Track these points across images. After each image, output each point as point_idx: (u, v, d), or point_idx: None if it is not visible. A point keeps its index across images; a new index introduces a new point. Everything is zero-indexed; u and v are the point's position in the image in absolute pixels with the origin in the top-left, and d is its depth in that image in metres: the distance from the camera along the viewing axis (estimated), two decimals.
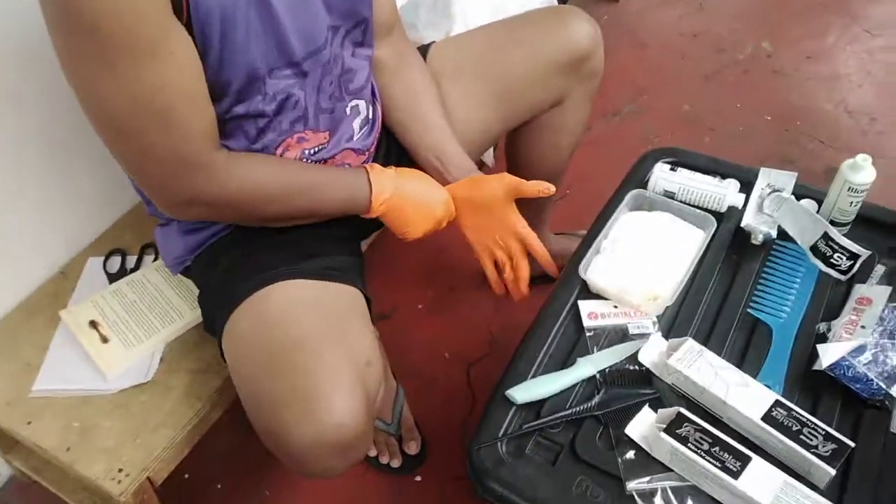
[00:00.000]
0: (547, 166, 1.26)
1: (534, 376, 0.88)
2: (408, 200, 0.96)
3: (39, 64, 1.08)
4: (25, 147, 1.11)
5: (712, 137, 1.88)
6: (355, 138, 0.99)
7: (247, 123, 0.87)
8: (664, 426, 0.80)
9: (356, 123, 0.99)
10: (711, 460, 0.76)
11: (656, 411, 0.83)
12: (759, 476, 0.75)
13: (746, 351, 0.90)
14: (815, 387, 0.86)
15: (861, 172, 0.95)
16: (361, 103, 0.99)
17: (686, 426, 0.79)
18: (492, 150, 1.57)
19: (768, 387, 0.85)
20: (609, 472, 0.79)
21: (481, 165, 1.67)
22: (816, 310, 0.94)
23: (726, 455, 0.77)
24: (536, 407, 0.86)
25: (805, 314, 0.93)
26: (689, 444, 0.77)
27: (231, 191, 0.85)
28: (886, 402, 0.82)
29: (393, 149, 1.09)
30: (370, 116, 1.02)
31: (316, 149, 0.95)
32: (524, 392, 0.86)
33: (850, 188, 0.96)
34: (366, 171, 0.94)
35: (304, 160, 0.94)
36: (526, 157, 1.27)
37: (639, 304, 0.94)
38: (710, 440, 0.78)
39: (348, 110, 0.97)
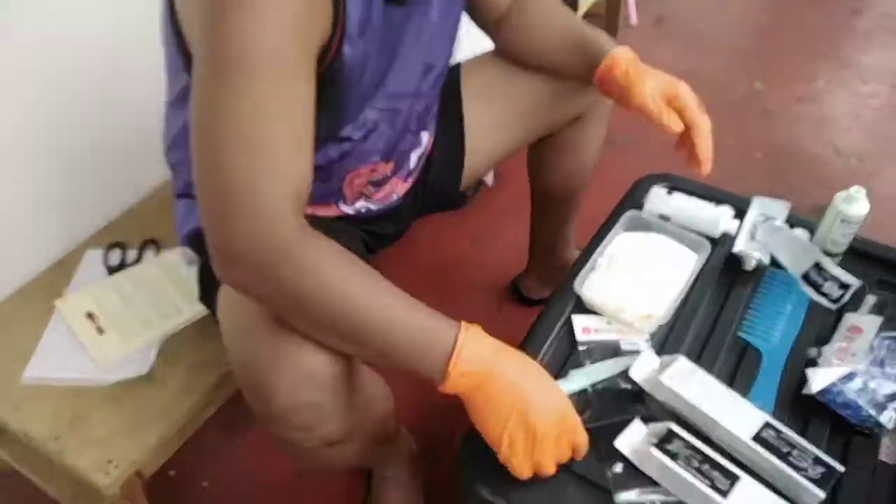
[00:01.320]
0: (572, 181, 1.31)
1: None
2: (501, 387, 0.73)
3: (50, 60, 1.10)
4: (30, 137, 1.12)
5: None
6: (411, 168, 1.03)
7: (331, 145, 0.87)
8: (655, 441, 0.81)
9: (415, 155, 1.03)
10: (700, 478, 0.77)
11: (647, 426, 0.84)
12: (748, 496, 0.76)
13: (736, 373, 0.92)
14: (804, 411, 0.87)
15: (855, 204, 0.98)
16: (425, 135, 1.03)
17: (676, 442, 0.81)
18: (492, 171, 1.60)
19: (759, 408, 0.87)
20: (598, 484, 0.80)
21: (480, 184, 1.69)
22: (807, 336, 0.96)
23: (715, 473, 0.78)
24: None
25: (795, 340, 0.95)
26: (678, 461, 0.79)
27: (290, 271, 0.68)
28: (875, 430, 0.84)
29: (431, 171, 1.12)
30: (426, 145, 1.06)
31: (379, 177, 0.98)
32: None
33: (843, 219, 0.99)
34: (456, 329, 0.73)
35: (367, 184, 0.96)
36: (550, 172, 1.31)
37: (632, 321, 0.96)
38: (699, 458, 0.79)
39: (414, 142, 1.01)
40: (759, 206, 1.10)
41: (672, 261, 1.03)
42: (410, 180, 1.07)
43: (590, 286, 0.99)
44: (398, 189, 1.04)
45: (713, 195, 1.13)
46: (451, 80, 1.13)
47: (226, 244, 0.69)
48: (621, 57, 1.02)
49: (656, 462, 0.79)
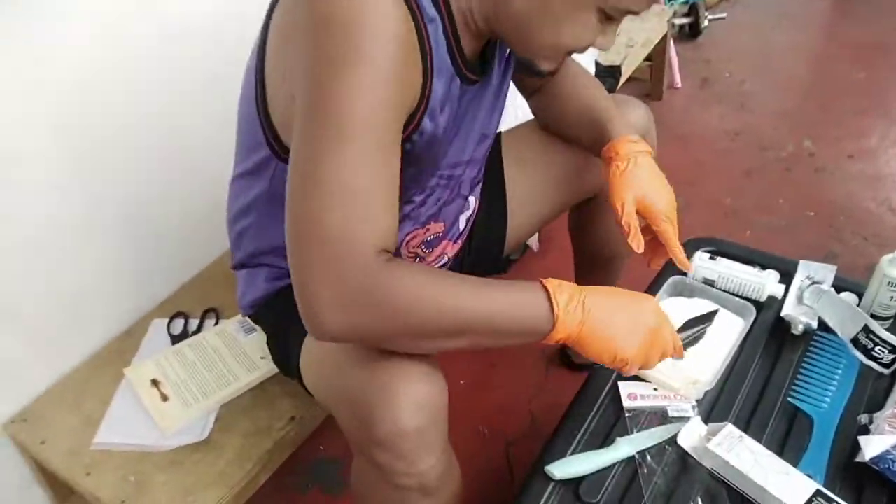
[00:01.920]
0: (613, 242, 1.30)
1: (573, 453, 0.90)
2: (603, 319, 0.80)
3: (127, 130, 1.20)
4: (102, 211, 1.21)
5: (754, 231, 1.91)
6: (460, 230, 1.09)
7: None
8: None
9: (463, 217, 1.08)
10: None
11: None
12: None
13: (786, 440, 0.91)
14: (858, 480, 0.86)
15: None
16: (472, 199, 1.09)
17: None
18: (536, 234, 1.63)
19: (809, 476, 0.85)
20: None
21: (525, 248, 1.73)
22: (858, 401, 0.94)
23: None
24: (574, 484, 0.87)
25: (846, 405, 0.94)
26: None
27: (397, 292, 0.72)
28: None
29: (476, 239, 1.17)
30: (474, 208, 1.11)
31: (431, 237, 1.03)
32: (563, 468, 0.88)
33: (889, 283, 0.98)
34: (543, 289, 0.78)
35: (420, 245, 1.02)
36: (591, 233, 1.33)
37: (678, 387, 0.96)
38: None
39: (463, 205, 1.06)
40: (805, 270, 1.10)
41: (718, 326, 1.04)
42: (459, 242, 1.11)
43: None
44: (448, 251, 1.09)
45: (757, 259, 1.14)
46: (493, 146, 1.17)
47: (321, 291, 0.71)
48: (623, 150, 1.01)
49: None
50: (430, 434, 0.80)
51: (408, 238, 1.00)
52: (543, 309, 0.77)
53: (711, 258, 1.12)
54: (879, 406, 0.92)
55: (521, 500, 0.87)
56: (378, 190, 0.73)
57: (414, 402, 0.78)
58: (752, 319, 1.03)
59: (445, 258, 1.10)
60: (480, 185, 1.12)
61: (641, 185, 1.00)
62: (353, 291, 0.71)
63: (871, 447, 0.85)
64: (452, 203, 1.03)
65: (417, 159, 0.86)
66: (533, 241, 1.65)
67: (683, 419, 0.93)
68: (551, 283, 0.79)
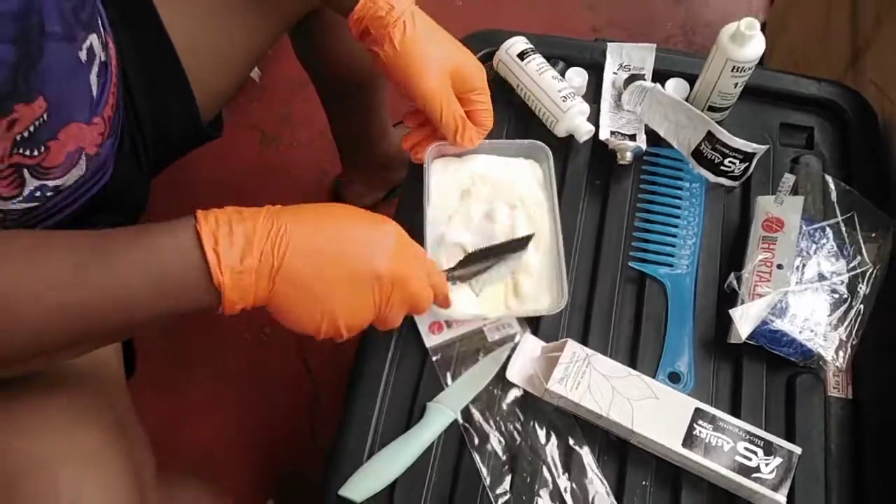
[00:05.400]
0: (358, 67, 0.95)
1: (372, 450, 0.63)
2: (306, 269, 0.52)
3: None
4: None
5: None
6: (93, 96, 0.61)
7: None
8: None
9: (93, 76, 0.60)
10: None
11: None
12: None
13: (639, 327, 0.68)
14: (735, 360, 0.66)
15: (749, 44, 0.69)
16: (94, 39, 0.60)
17: None
18: (256, 67, 1.17)
19: (677, 375, 0.65)
20: None
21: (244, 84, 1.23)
22: (713, 239, 0.72)
23: None
24: (387, 492, 0.61)
25: (699, 250, 0.71)
26: None
27: None
28: (821, 364, 0.65)
29: (144, 109, 0.72)
30: (105, 58, 0.63)
31: (30, 130, 0.55)
32: (364, 484, 0.61)
33: (734, 68, 0.71)
34: (195, 236, 0.49)
35: (14, 151, 0.55)
36: (324, 58, 0.95)
37: (499, 301, 0.68)
38: None
39: (83, 55, 0.57)
40: (616, 56, 0.80)
41: (514, 188, 0.73)
42: (104, 125, 0.63)
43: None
44: (84, 139, 0.61)
45: (550, 51, 0.80)
46: None
47: None
48: (395, 4, 0.64)
49: None
50: None
51: None
52: (194, 272, 0.48)
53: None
54: (738, 233, 0.70)
55: None
56: None
57: None
58: (548, 164, 0.72)
59: (82, 157, 0.62)
60: (102, 20, 0.63)
61: (444, 53, 0.66)
62: None
63: (744, 323, 0.64)
64: (46, 57, 0.53)
65: None
66: (255, 74, 1.18)
67: (508, 339, 0.67)
68: (208, 221, 0.49)
